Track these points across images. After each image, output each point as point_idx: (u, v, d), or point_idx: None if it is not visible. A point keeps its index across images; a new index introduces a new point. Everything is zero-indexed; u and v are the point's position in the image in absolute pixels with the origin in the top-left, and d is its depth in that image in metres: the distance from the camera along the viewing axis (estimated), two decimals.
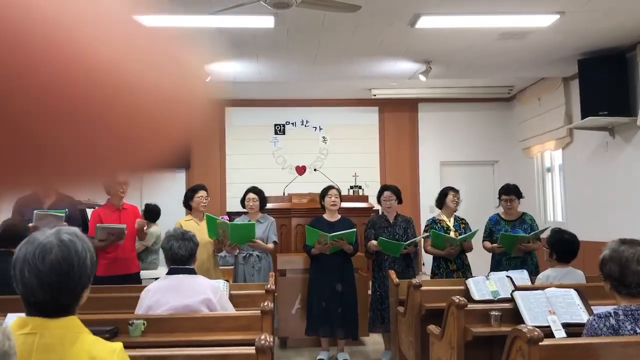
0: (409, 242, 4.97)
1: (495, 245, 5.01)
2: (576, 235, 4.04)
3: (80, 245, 1.47)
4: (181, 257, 3.12)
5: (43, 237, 1.46)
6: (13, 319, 2.62)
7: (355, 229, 5.01)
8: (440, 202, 5.28)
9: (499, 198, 5.22)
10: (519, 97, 8.65)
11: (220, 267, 5.29)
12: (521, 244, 4.88)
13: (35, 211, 4.54)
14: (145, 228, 4.96)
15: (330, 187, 5.27)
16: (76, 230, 1.52)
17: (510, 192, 5.14)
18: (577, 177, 7.07)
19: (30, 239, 1.46)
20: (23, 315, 1.46)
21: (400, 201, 5.30)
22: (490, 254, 5.25)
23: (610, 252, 2.34)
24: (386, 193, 5.24)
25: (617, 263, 2.29)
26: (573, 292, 3.20)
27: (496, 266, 5.00)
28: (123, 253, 4.77)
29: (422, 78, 6.38)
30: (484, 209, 8.06)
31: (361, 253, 5.39)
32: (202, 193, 5.10)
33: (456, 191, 5.26)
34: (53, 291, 1.42)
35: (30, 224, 4.50)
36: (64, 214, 4.62)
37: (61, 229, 1.49)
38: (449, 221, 5.18)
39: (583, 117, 5.97)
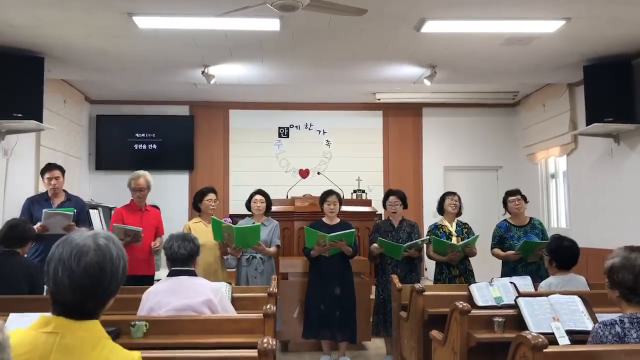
0: (408, 244, 4.95)
1: (511, 252, 4.94)
2: (577, 242, 4.02)
3: (115, 252, 1.48)
4: (181, 256, 3.13)
5: (80, 239, 1.45)
6: (15, 318, 2.62)
7: (353, 230, 4.99)
8: (441, 208, 5.26)
9: (505, 203, 5.18)
10: (523, 103, 8.63)
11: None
12: (540, 249, 4.83)
13: (44, 210, 4.56)
14: (156, 247, 4.96)
15: (329, 193, 5.24)
16: (112, 235, 1.52)
17: (515, 192, 5.13)
18: (581, 184, 7.04)
19: (68, 240, 1.46)
20: (45, 314, 1.45)
21: (405, 206, 5.29)
22: (497, 261, 5.19)
23: (622, 260, 2.32)
24: (392, 198, 5.23)
25: (631, 271, 2.27)
26: (577, 299, 3.17)
27: (510, 273, 4.90)
28: (140, 254, 4.79)
29: (427, 82, 6.37)
30: (487, 215, 8.06)
31: (364, 257, 5.38)
32: (211, 196, 5.11)
33: (454, 194, 5.22)
34: (83, 294, 1.42)
35: (39, 223, 4.52)
36: (72, 213, 4.63)
37: (98, 232, 1.49)
38: (451, 226, 5.16)
39: (588, 123, 5.95)
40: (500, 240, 5.09)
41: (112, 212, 5.21)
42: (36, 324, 1.42)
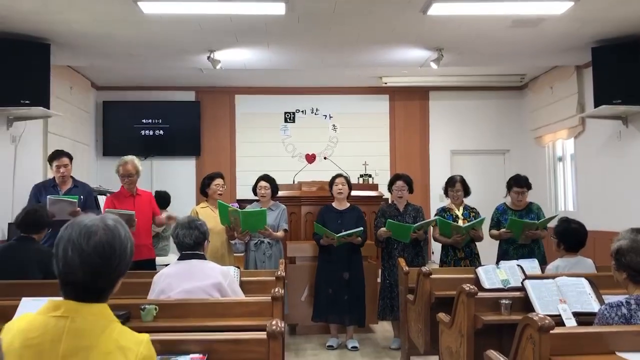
0: (417, 224, 4.96)
1: (503, 230, 4.98)
2: (585, 224, 4.01)
3: (123, 233, 1.52)
4: (187, 245, 3.15)
5: (88, 220, 1.49)
6: (27, 303, 2.66)
7: (361, 229, 4.98)
8: (447, 192, 5.26)
9: (508, 189, 5.17)
10: (531, 86, 8.57)
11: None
12: (529, 230, 4.85)
13: (48, 196, 4.59)
14: (169, 221, 4.97)
15: (337, 175, 5.29)
16: (119, 218, 1.56)
17: (522, 184, 5.07)
18: (589, 167, 7.01)
19: (76, 221, 1.49)
20: (54, 298, 1.47)
21: (411, 191, 5.29)
22: (498, 243, 5.23)
23: (629, 242, 2.33)
24: (399, 183, 5.23)
25: (639, 253, 2.28)
26: (584, 281, 3.18)
27: (502, 255, 4.98)
28: (138, 239, 4.76)
29: (434, 66, 6.34)
30: (495, 198, 7.98)
31: (371, 242, 5.40)
32: (218, 181, 5.12)
33: (454, 183, 5.16)
34: (93, 273, 1.45)
35: None
36: (76, 200, 4.66)
37: (106, 215, 1.54)
38: (458, 210, 5.17)
39: (596, 105, 5.91)
40: (497, 222, 5.12)
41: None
42: (45, 308, 1.44)
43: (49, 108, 5.65)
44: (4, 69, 5.36)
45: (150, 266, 4.83)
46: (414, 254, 5.10)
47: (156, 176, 8.43)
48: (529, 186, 5.12)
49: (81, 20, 5.05)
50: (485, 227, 5.15)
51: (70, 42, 5.63)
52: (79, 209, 4.58)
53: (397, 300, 5.00)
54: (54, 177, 4.96)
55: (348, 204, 5.26)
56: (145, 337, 1.49)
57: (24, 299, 2.73)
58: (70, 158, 5.00)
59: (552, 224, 4.54)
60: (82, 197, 4.76)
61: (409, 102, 8.93)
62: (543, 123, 8.08)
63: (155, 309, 2.89)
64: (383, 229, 5.03)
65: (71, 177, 5.01)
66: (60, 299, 1.47)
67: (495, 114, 8.94)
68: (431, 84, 8.60)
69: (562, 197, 7.93)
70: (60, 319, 1.41)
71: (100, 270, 1.46)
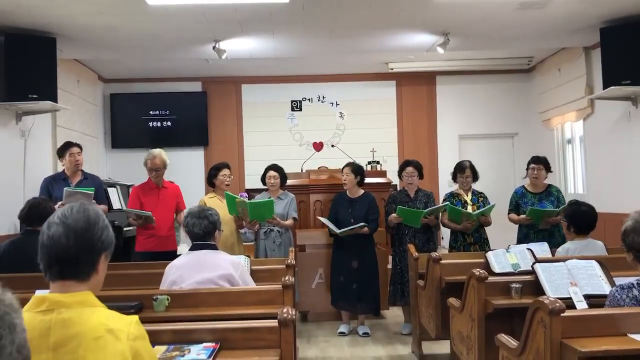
0: (428, 210, 4.96)
1: (522, 217, 4.98)
2: (595, 206, 4.00)
3: (102, 215, 1.57)
4: (196, 234, 3.17)
5: (69, 205, 1.56)
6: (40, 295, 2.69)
7: (362, 224, 4.97)
8: (455, 177, 5.25)
9: (527, 168, 5.17)
10: (538, 68, 8.50)
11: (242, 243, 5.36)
12: (549, 217, 4.85)
13: (65, 189, 4.63)
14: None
15: (345, 165, 5.29)
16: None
17: (539, 161, 5.10)
18: (598, 149, 6.96)
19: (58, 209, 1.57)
20: (38, 293, 1.49)
21: (421, 176, 5.29)
22: (511, 228, 5.23)
23: (633, 223, 2.32)
24: (409, 169, 5.22)
25: None
26: (595, 263, 3.18)
27: (523, 239, 4.97)
28: (160, 231, 4.89)
29: (440, 50, 6.29)
30: (503, 182, 8.02)
31: (381, 228, 5.41)
32: (225, 171, 5.15)
33: (464, 169, 5.14)
34: (76, 238, 1.48)
35: (60, 202, 4.59)
36: (92, 192, 4.70)
37: (83, 203, 1.58)
38: (467, 195, 5.16)
39: (605, 87, 5.85)
40: (516, 205, 5.11)
41: (130, 190, 5.28)
42: (30, 305, 1.44)
43: (56, 102, 5.67)
44: (11, 64, 5.38)
45: (171, 258, 4.89)
46: (425, 239, 5.10)
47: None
48: (547, 166, 5.11)
49: (86, 13, 5.05)
50: (503, 211, 5.14)
51: (75, 35, 5.64)
52: (94, 201, 4.62)
53: (407, 285, 5.02)
54: (63, 170, 5.00)
55: (361, 192, 5.25)
56: (135, 317, 1.49)
57: (37, 291, 2.76)
58: (81, 148, 5.05)
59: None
60: (93, 193, 4.81)
61: (416, 88, 8.88)
62: (551, 106, 8.01)
63: (168, 299, 2.92)
64: (394, 215, 5.03)
65: (81, 170, 5.05)
66: (46, 292, 1.49)
67: (502, 98, 8.88)
68: (438, 69, 8.54)
69: (571, 179, 7.89)
70: (46, 312, 1.42)
71: (84, 235, 1.48)
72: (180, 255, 3.37)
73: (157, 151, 5.03)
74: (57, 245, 1.47)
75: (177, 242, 6.36)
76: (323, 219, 5.10)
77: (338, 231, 4.91)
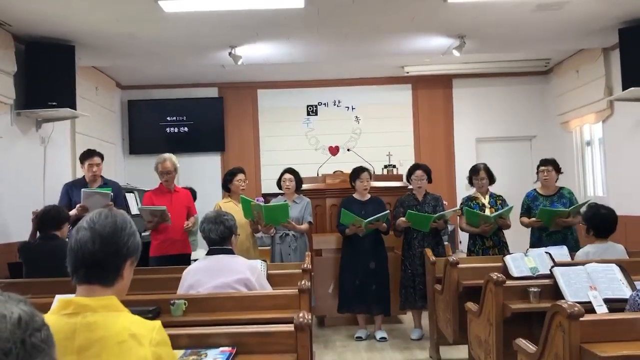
0: (437, 214, 4.95)
1: (533, 219, 4.94)
2: (615, 209, 3.94)
3: (130, 221, 1.60)
4: (213, 240, 3.17)
5: (99, 210, 1.60)
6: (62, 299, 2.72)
7: (387, 212, 5.04)
8: (472, 180, 5.22)
9: (538, 172, 5.16)
10: (556, 70, 8.42)
11: (258, 248, 5.37)
12: (560, 218, 4.80)
13: (83, 190, 4.68)
14: (188, 227, 5.08)
15: (362, 170, 5.28)
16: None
17: (548, 162, 5.08)
18: (618, 151, 6.87)
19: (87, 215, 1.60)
20: (64, 296, 1.51)
21: (430, 180, 5.27)
22: (529, 231, 5.18)
23: None
24: (418, 172, 5.22)
25: None
26: (615, 267, 3.13)
27: (536, 242, 4.94)
28: (174, 234, 4.93)
29: (456, 53, 6.27)
30: (521, 185, 7.91)
31: (391, 232, 5.40)
32: (240, 176, 5.19)
33: (478, 171, 5.12)
34: (102, 244, 1.50)
35: (79, 205, 4.65)
36: (110, 191, 4.75)
37: (111, 210, 1.62)
38: (484, 198, 5.12)
39: (624, 88, 5.77)
40: (527, 209, 5.08)
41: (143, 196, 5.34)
42: (56, 308, 1.47)
43: (75, 109, 5.75)
44: (31, 72, 5.47)
45: (185, 261, 4.93)
46: (434, 243, 5.08)
47: (182, 173, 8.45)
48: (556, 167, 5.07)
49: (103, 21, 5.13)
50: (515, 215, 5.10)
51: (93, 43, 5.72)
52: (111, 203, 4.66)
53: (418, 290, 5.01)
54: (84, 176, 5.05)
55: (369, 195, 5.28)
56: (157, 323, 1.51)
57: (57, 296, 2.79)
58: (102, 157, 5.09)
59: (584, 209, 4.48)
60: (112, 195, 4.85)
61: (432, 91, 8.84)
62: (569, 108, 7.93)
63: (185, 303, 2.93)
64: (402, 218, 5.03)
65: (101, 176, 5.11)
66: (71, 296, 1.50)
67: (520, 100, 8.81)
68: (454, 72, 8.50)
69: (590, 182, 7.79)
70: (71, 316, 1.44)
71: (110, 240, 1.51)
72: (196, 259, 3.39)
73: (167, 155, 5.09)
74: (84, 250, 1.50)
75: (192, 247, 6.42)
76: (347, 212, 5.02)
77: (364, 222, 4.88)
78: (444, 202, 5.45)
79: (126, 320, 1.47)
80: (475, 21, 5.55)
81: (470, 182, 5.24)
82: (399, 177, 6.64)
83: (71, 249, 1.52)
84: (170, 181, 5.05)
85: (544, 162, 5.13)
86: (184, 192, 5.22)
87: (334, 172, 6.74)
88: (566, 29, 5.94)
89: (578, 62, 7.64)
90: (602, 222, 3.86)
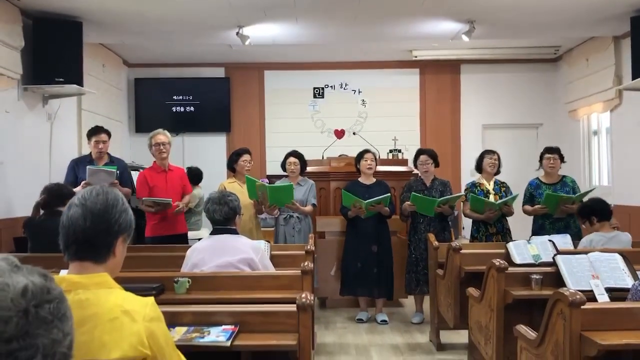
0: (442, 199, 4.94)
1: (538, 206, 4.95)
2: (620, 199, 4.02)
3: (122, 198, 1.61)
4: (217, 220, 3.19)
5: (91, 187, 1.60)
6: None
7: (389, 194, 5.03)
8: (479, 166, 5.22)
9: (541, 160, 5.16)
10: (565, 58, 8.34)
11: (262, 229, 5.39)
12: (565, 204, 4.80)
13: (88, 167, 4.69)
14: (181, 209, 4.98)
15: (366, 151, 5.30)
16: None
17: (554, 150, 5.10)
18: (625, 141, 6.83)
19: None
20: (60, 273, 1.52)
21: (437, 164, 5.26)
22: (531, 219, 5.19)
23: None
24: (422, 157, 5.21)
25: None
26: (618, 256, 3.14)
27: (538, 230, 4.95)
28: (170, 214, 4.90)
29: (465, 38, 6.21)
30: (527, 173, 7.88)
31: (396, 216, 5.41)
32: (246, 157, 5.19)
33: (493, 153, 5.17)
34: (93, 221, 1.51)
35: (83, 181, 4.66)
36: (115, 169, 4.75)
37: (104, 187, 1.62)
38: (489, 185, 5.12)
39: (634, 77, 5.73)
40: (530, 197, 5.09)
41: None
42: None
43: (82, 86, 5.75)
44: (38, 48, 5.46)
45: (182, 240, 4.93)
46: (440, 228, 5.09)
47: (187, 152, 8.53)
48: (561, 155, 5.08)
49: None
50: (518, 203, 5.10)
51: (101, 19, 5.70)
52: (117, 180, 4.66)
53: (421, 274, 5.03)
54: (90, 153, 5.06)
55: (374, 179, 5.28)
56: (150, 299, 1.51)
57: (62, 271, 2.82)
58: (109, 134, 5.09)
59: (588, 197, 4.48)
60: (118, 171, 4.86)
61: (440, 76, 8.79)
62: (578, 96, 7.87)
63: (188, 281, 2.96)
64: (407, 202, 5.03)
65: (107, 153, 5.11)
66: (64, 272, 1.51)
67: (528, 87, 8.75)
68: (463, 57, 8.44)
69: (596, 171, 7.76)
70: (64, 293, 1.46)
71: (101, 217, 1.52)
72: (200, 239, 3.41)
73: (158, 129, 5.06)
74: (75, 226, 1.51)
75: (196, 226, 6.43)
76: (347, 193, 5.03)
77: (364, 203, 4.89)
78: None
79: (118, 297, 1.48)
80: (486, 6, 5.50)
81: (478, 169, 5.23)
82: (404, 162, 6.63)
83: (63, 226, 1.53)
84: (164, 155, 4.96)
85: (550, 150, 5.13)
86: (178, 171, 5.15)
87: (339, 156, 6.74)
88: (577, 15, 5.88)
89: (588, 50, 7.57)
90: (601, 205, 3.92)
